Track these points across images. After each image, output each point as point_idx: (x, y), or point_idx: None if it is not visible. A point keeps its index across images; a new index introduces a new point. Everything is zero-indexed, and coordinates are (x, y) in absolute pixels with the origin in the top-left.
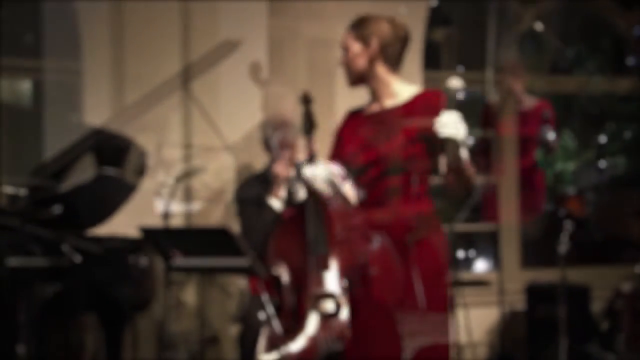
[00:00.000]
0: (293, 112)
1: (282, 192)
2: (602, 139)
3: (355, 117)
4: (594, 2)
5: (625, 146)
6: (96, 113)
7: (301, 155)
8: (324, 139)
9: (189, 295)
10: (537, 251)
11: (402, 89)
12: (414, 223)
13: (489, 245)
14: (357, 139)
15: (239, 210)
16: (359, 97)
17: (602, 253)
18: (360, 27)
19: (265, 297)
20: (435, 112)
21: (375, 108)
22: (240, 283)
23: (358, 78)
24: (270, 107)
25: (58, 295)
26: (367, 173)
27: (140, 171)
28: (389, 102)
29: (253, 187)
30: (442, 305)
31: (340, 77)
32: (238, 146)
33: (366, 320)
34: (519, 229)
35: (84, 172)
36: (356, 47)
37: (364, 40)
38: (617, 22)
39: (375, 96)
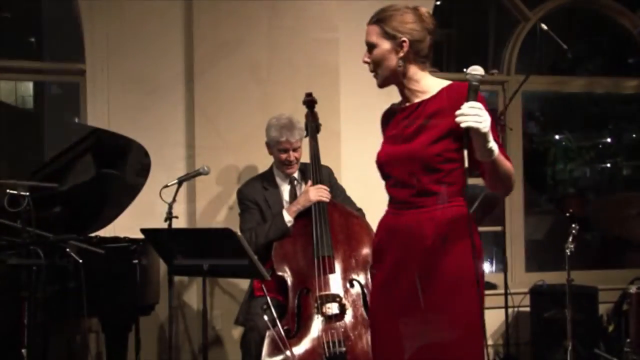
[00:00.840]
0: (296, 113)
1: (296, 212)
2: (605, 140)
3: (386, 116)
4: (599, 3)
5: (628, 147)
6: (98, 113)
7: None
8: (328, 140)
9: (192, 297)
10: (542, 253)
11: (433, 84)
12: (445, 226)
13: (494, 247)
14: (386, 138)
15: (241, 209)
16: (363, 98)
17: (608, 255)
18: (387, 22)
19: (268, 299)
20: (462, 104)
21: (404, 104)
22: (244, 285)
23: (389, 78)
24: (273, 109)
25: (60, 297)
26: (394, 173)
27: (143, 171)
28: (418, 99)
29: (256, 188)
30: (470, 313)
31: (344, 78)
32: (240, 147)
33: (378, 324)
34: (524, 230)
35: (85, 172)
36: (386, 45)
37: (394, 37)
38: (622, 22)
39: (405, 95)
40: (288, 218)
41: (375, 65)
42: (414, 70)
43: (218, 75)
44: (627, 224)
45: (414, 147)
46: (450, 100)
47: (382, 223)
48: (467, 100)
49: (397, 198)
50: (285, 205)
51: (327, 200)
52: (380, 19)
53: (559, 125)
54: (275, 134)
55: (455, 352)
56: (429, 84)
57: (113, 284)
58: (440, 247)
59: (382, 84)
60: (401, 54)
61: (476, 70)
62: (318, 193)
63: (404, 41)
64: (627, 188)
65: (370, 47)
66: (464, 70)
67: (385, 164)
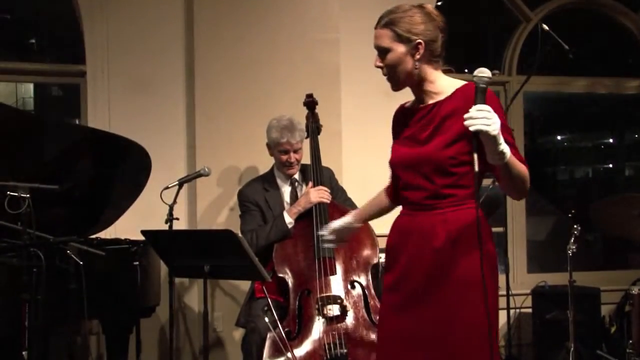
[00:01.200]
0: (297, 114)
1: (297, 214)
2: (607, 140)
3: (399, 115)
4: (600, 3)
5: (630, 148)
6: (99, 115)
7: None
8: (329, 141)
9: (193, 298)
10: (545, 254)
11: (447, 84)
12: (457, 228)
13: (496, 248)
14: (401, 139)
15: (242, 211)
16: (364, 98)
17: (610, 256)
18: (397, 24)
19: (269, 301)
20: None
21: (418, 105)
22: (245, 286)
23: (404, 82)
24: (274, 109)
25: (61, 299)
26: (408, 174)
27: (144, 173)
28: (433, 100)
29: (257, 189)
30: (477, 316)
31: (345, 78)
32: (241, 147)
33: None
34: (526, 231)
35: (86, 174)
36: (401, 48)
37: (408, 40)
38: (623, 22)
39: (419, 96)
40: (289, 220)
41: (390, 70)
42: (429, 71)
43: (219, 76)
44: (628, 225)
45: (429, 150)
46: (464, 101)
47: (396, 224)
48: (475, 103)
49: (410, 199)
50: (286, 206)
51: (328, 201)
52: (390, 22)
53: (561, 125)
54: (276, 135)
55: (460, 355)
56: (443, 84)
57: (114, 285)
58: (451, 250)
59: (398, 88)
60: (417, 57)
61: (483, 72)
62: (319, 194)
63: (420, 43)
64: (628, 188)
65: (383, 51)
66: (465, 71)
67: (398, 166)
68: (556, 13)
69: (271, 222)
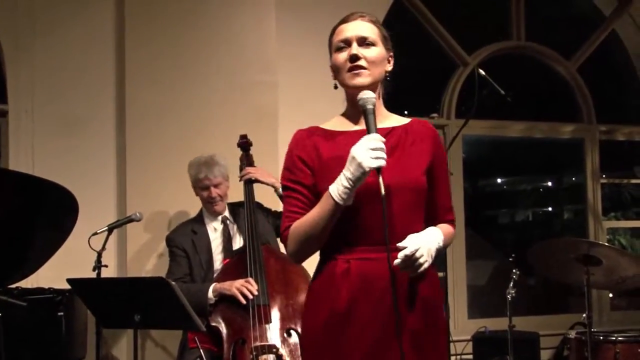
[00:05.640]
0: (233, 157)
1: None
2: (546, 183)
3: (318, 139)
4: (535, 49)
5: (568, 191)
6: (21, 157)
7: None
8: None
9: (122, 350)
10: (485, 299)
11: (389, 113)
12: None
13: None
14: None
15: (169, 257)
16: None
17: (549, 300)
18: (381, 26)
19: (202, 352)
20: (436, 140)
21: (356, 127)
22: (177, 335)
23: (375, 84)
24: (209, 152)
25: None
26: (371, 207)
27: (69, 217)
28: (381, 124)
29: (185, 233)
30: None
31: (283, 121)
32: (174, 192)
33: None
34: (467, 277)
35: (4, 218)
36: (383, 50)
37: (387, 47)
38: (557, 69)
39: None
40: (211, 295)
41: (372, 65)
42: (381, 91)
43: (151, 118)
44: (565, 268)
45: (411, 175)
46: (423, 134)
47: (344, 273)
48: (367, 126)
49: (376, 237)
50: (215, 245)
51: (250, 297)
52: (375, 20)
53: (501, 169)
54: (194, 172)
55: None
56: (386, 111)
57: (36, 338)
58: (435, 295)
59: (370, 84)
60: (389, 67)
61: (366, 93)
62: (241, 289)
63: (392, 55)
64: (568, 231)
65: (370, 43)
66: (405, 113)
67: (359, 195)
68: (493, 58)
69: (195, 291)
